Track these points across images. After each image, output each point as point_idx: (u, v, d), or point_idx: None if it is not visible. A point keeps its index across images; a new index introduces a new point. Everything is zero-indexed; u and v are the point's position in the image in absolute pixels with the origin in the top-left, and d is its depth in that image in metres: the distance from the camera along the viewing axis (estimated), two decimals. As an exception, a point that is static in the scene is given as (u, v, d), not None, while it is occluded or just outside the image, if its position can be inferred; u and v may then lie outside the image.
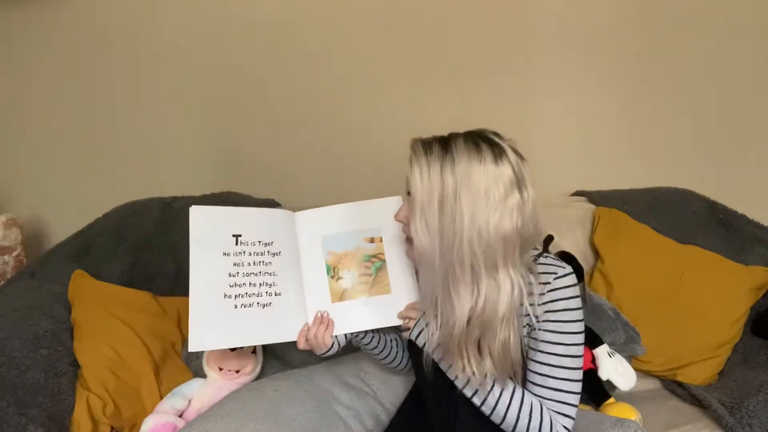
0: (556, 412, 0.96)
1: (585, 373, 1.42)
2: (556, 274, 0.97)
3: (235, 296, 1.07)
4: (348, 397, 1.30)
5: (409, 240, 1.03)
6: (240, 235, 1.10)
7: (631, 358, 1.54)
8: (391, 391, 1.36)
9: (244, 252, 1.10)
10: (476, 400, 0.97)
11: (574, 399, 0.97)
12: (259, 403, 1.17)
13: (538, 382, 0.97)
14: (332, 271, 1.14)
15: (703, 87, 1.84)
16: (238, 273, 1.08)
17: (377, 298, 1.11)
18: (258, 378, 1.42)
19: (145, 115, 1.97)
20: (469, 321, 0.91)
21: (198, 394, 1.37)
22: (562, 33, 1.83)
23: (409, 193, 0.98)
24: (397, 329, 1.23)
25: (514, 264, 0.92)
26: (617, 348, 1.51)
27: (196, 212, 1.10)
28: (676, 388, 1.53)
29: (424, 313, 1.04)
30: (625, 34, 1.82)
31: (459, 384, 0.98)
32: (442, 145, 0.93)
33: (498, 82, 1.87)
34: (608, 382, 1.42)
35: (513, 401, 0.96)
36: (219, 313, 1.05)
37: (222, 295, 1.06)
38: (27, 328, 1.37)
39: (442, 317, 0.95)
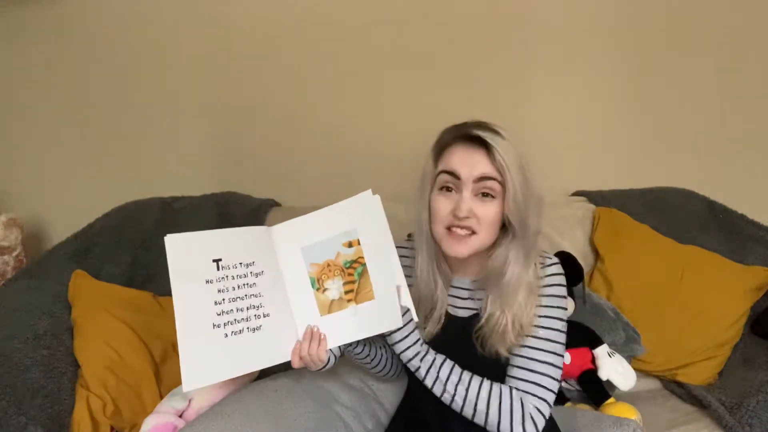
0: (529, 393, 0.97)
1: (585, 374, 1.44)
2: (543, 263, 1.02)
3: (224, 324, 1.03)
4: (348, 398, 1.30)
5: (456, 236, 0.99)
6: (220, 260, 1.05)
7: (631, 358, 1.54)
8: (391, 391, 1.36)
9: (226, 276, 1.05)
10: (429, 382, 1.00)
11: (550, 383, 0.97)
12: (259, 403, 1.17)
13: (518, 364, 0.99)
14: (317, 284, 1.08)
15: (703, 87, 1.84)
16: (223, 300, 1.04)
17: (364, 305, 1.05)
18: (258, 378, 1.42)
19: (145, 115, 1.97)
20: (529, 287, 0.99)
21: (198, 394, 1.36)
22: (561, 33, 1.83)
23: (449, 189, 1.00)
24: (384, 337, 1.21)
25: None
26: (617, 348, 1.51)
27: (171, 241, 1.03)
28: (676, 388, 1.53)
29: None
30: (624, 34, 1.82)
31: (423, 370, 1.00)
32: (486, 129, 0.98)
33: (498, 82, 1.87)
34: (608, 382, 1.42)
35: (482, 389, 0.98)
36: (211, 346, 1.01)
37: (211, 325, 1.02)
38: (27, 328, 1.37)
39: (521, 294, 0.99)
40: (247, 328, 1.05)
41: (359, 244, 1.06)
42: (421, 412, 1.11)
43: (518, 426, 0.95)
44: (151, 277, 1.69)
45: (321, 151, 1.96)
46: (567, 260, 1.55)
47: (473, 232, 0.98)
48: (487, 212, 0.97)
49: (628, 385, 1.42)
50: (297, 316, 1.09)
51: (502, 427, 0.95)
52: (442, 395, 0.99)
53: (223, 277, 1.05)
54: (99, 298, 1.52)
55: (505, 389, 0.97)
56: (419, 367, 1.01)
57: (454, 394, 0.98)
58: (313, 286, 1.09)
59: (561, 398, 1.46)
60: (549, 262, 1.02)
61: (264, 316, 1.06)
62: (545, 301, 0.99)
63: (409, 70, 1.87)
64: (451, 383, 0.98)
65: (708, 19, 1.80)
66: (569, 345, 1.45)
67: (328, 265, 1.08)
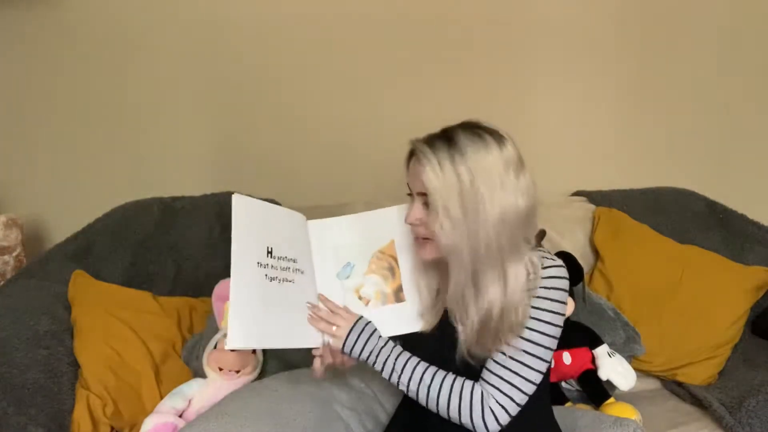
0: (494, 387, 0.95)
1: (585, 374, 1.44)
2: (542, 265, 0.98)
3: (270, 297, 1.03)
4: (348, 398, 1.30)
5: (419, 240, 1.01)
6: (272, 249, 1.07)
7: (631, 358, 1.54)
8: (391, 391, 1.36)
9: (275, 267, 1.06)
10: (394, 378, 1.01)
11: (522, 384, 0.95)
12: (259, 403, 1.17)
13: (494, 357, 0.97)
14: (356, 279, 1.12)
15: (704, 87, 1.85)
16: (271, 279, 1.05)
17: (390, 306, 1.10)
18: (258, 378, 1.42)
19: (145, 115, 1.97)
20: (502, 306, 0.93)
21: (198, 394, 1.37)
22: (562, 32, 1.83)
23: (411, 195, 0.99)
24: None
25: (529, 242, 0.96)
26: (617, 348, 1.51)
27: (238, 202, 1.05)
28: (676, 388, 1.53)
29: (358, 319, 1.05)
30: (625, 34, 1.82)
31: (378, 367, 1.01)
32: (445, 140, 0.94)
33: (498, 81, 1.87)
34: (608, 382, 1.42)
35: (444, 384, 0.97)
36: (257, 311, 1.01)
37: (260, 292, 1.02)
38: (27, 328, 1.36)
39: (477, 309, 0.94)
40: (287, 307, 1.05)
41: (394, 249, 1.12)
42: (420, 413, 1.11)
43: (478, 419, 0.95)
44: (151, 277, 1.69)
45: (321, 150, 1.96)
46: (567, 260, 1.55)
47: (428, 239, 0.99)
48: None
49: (628, 385, 1.43)
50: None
51: (463, 421, 0.96)
52: (407, 392, 1.00)
53: (272, 265, 1.06)
54: (99, 298, 1.52)
55: (467, 385, 0.97)
56: (381, 370, 1.02)
57: (417, 392, 0.99)
58: (342, 278, 1.12)
59: (561, 398, 1.46)
60: (548, 264, 0.99)
61: (299, 297, 1.08)
62: (535, 303, 0.96)
63: (408, 70, 1.88)
64: (413, 383, 0.99)
65: (708, 20, 1.80)
66: (569, 345, 1.46)
67: (369, 263, 1.13)
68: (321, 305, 1.08)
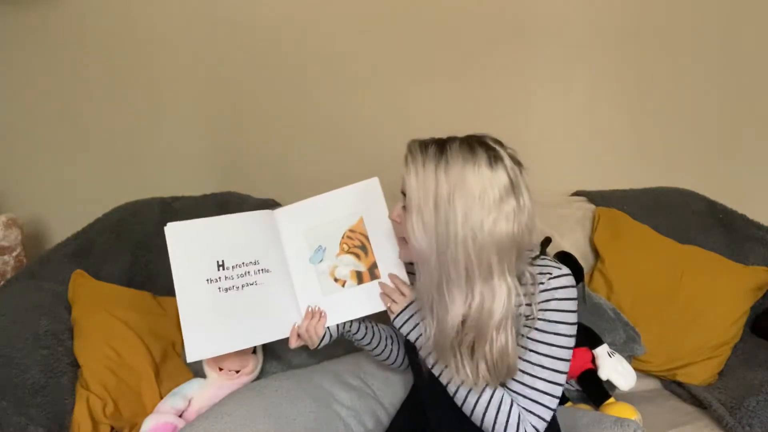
0: (527, 410, 0.96)
1: (585, 374, 1.44)
2: (550, 274, 0.97)
3: (225, 306, 1.09)
4: (348, 398, 1.30)
5: (401, 240, 1.04)
6: (223, 262, 1.10)
7: (631, 358, 1.54)
8: (391, 391, 1.36)
9: (231, 276, 1.10)
10: (452, 388, 1.00)
11: (550, 401, 0.96)
12: (260, 403, 1.17)
13: (516, 378, 0.97)
14: (328, 261, 1.13)
15: (704, 87, 1.84)
16: (226, 290, 1.10)
17: (366, 285, 1.11)
18: (258, 378, 1.42)
19: (145, 114, 1.97)
20: (462, 324, 0.92)
21: (198, 394, 1.37)
22: (562, 32, 1.83)
23: (404, 193, 0.99)
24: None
25: (510, 270, 0.92)
26: (617, 348, 1.51)
27: (172, 231, 1.08)
28: (676, 388, 1.53)
29: (412, 302, 1.06)
30: (625, 34, 1.82)
31: (442, 378, 1.00)
32: (438, 147, 0.93)
33: (498, 81, 1.87)
34: (608, 382, 1.42)
35: (483, 395, 0.96)
36: (211, 322, 1.08)
37: (211, 306, 1.09)
38: (27, 328, 1.36)
39: (437, 318, 0.94)
40: (247, 309, 1.10)
41: (363, 225, 1.13)
42: (425, 415, 1.11)
43: None
44: (151, 277, 1.69)
45: (321, 150, 1.96)
46: (567, 260, 1.55)
47: (403, 238, 1.01)
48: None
49: (628, 385, 1.42)
50: (300, 295, 1.13)
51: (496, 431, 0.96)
52: (447, 385, 1.00)
53: (226, 277, 1.10)
54: (99, 298, 1.51)
55: (507, 400, 0.96)
56: (427, 356, 1.02)
57: (456, 391, 0.98)
58: (315, 262, 1.13)
59: (561, 398, 1.45)
60: (557, 273, 0.97)
61: (264, 298, 1.11)
62: (551, 315, 0.96)
63: (408, 70, 1.87)
64: (454, 383, 0.98)
65: (707, 20, 1.80)
66: (569, 345, 1.46)
67: (336, 244, 1.13)
68: (388, 282, 1.10)
